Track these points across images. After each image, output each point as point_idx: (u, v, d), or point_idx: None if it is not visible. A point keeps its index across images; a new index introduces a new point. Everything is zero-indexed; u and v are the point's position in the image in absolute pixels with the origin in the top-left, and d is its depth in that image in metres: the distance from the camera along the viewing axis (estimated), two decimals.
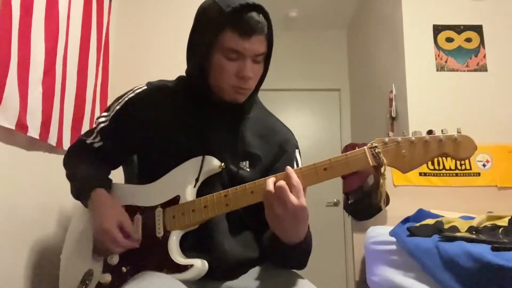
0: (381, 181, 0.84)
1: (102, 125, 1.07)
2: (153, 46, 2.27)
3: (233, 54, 0.92)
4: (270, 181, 0.83)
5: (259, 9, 0.91)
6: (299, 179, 0.85)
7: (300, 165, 1.09)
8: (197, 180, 0.96)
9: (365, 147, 0.85)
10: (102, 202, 0.98)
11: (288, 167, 0.85)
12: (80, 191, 1.03)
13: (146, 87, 1.07)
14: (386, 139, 0.85)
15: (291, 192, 0.80)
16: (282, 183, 0.81)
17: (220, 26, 0.90)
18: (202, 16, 0.97)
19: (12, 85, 1.19)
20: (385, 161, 0.83)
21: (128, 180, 1.25)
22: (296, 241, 0.85)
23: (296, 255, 0.91)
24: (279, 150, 1.06)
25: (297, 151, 1.10)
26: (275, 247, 0.90)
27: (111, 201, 0.99)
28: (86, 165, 1.07)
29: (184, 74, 1.08)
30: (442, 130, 0.84)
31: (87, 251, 1.02)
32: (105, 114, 1.08)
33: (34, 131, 1.32)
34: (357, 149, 0.86)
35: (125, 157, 1.13)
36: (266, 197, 0.82)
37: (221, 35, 0.90)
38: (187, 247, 0.94)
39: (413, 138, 0.84)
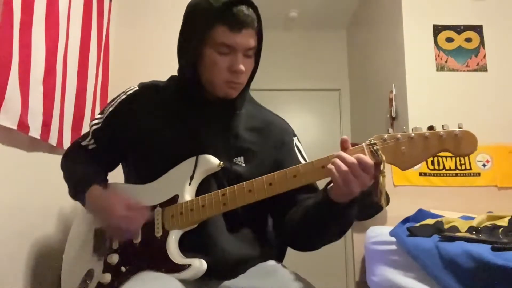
0: (381, 178, 0.82)
1: (95, 127, 1.09)
2: (153, 46, 2.26)
3: (224, 49, 0.93)
4: (339, 160, 0.79)
5: (248, 3, 0.93)
6: (295, 177, 0.86)
7: (302, 152, 1.10)
8: (192, 178, 0.96)
9: (363, 144, 0.83)
10: (100, 196, 0.99)
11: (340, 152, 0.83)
12: (76, 191, 1.05)
13: (137, 88, 1.09)
14: (385, 136, 0.82)
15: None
16: (353, 159, 0.78)
17: (211, 21, 0.91)
18: (192, 12, 0.98)
19: (13, 85, 1.19)
20: (384, 158, 0.81)
21: (128, 179, 1.26)
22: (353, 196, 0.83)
23: (348, 214, 0.88)
24: (278, 142, 1.07)
25: (295, 138, 1.11)
26: (321, 215, 0.88)
27: (107, 192, 1.01)
28: (81, 165, 1.09)
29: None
30: (443, 126, 0.81)
31: (88, 251, 1.03)
32: (98, 116, 1.11)
33: (35, 131, 1.33)
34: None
35: (119, 158, 1.13)
36: (344, 175, 0.79)
37: (212, 30, 0.92)
38: (185, 247, 0.94)
39: (412, 134, 0.81)
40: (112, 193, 1.00)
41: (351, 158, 0.79)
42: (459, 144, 0.79)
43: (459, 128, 0.80)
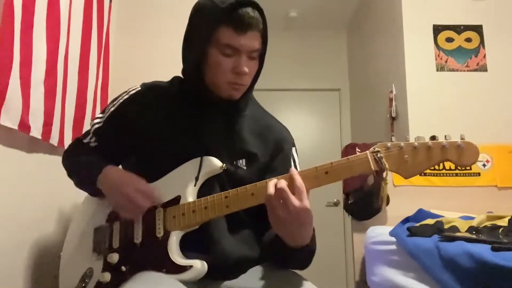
0: (383, 185, 0.84)
1: (97, 125, 1.09)
2: (153, 46, 2.26)
3: (229, 50, 0.93)
4: (271, 184, 0.82)
5: (254, 5, 0.93)
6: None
7: (297, 163, 1.10)
8: (196, 179, 0.96)
9: (367, 151, 0.85)
10: (118, 170, 1.01)
11: (292, 169, 0.85)
12: (88, 174, 1.03)
13: (140, 88, 1.08)
14: (389, 144, 0.84)
15: (293, 194, 0.80)
16: (283, 184, 0.80)
17: (216, 22, 0.91)
18: (197, 13, 0.98)
19: (14, 85, 1.19)
20: (387, 166, 0.82)
21: None
22: (301, 244, 0.85)
23: (300, 257, 0.91)
24: (276, 149, 1.06)
25: (293, 149, 1.11)
26: (278, 248, 0.90)
27: (124, 171, 1.02)
28: (85, 156, 1.09)
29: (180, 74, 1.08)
30: (445, 136, 0.83)
31: (87, 250, 1.02)
32: (100, 116, 1.10)
33: (36, 131, 1.33)
34: (357, 149, 0.85)
35: (120, 158, 1.13)
36: (268, 200, 0.82)
37: (217, 31, 0.91)
38: (187, 247, 0.94)
39: (416, 143, 0.83)
40: (125, 173, 1.01)
41: (280, 183, 0.81)
42: (461, 154, 0.81)
43: (461, 139, 0.82)
